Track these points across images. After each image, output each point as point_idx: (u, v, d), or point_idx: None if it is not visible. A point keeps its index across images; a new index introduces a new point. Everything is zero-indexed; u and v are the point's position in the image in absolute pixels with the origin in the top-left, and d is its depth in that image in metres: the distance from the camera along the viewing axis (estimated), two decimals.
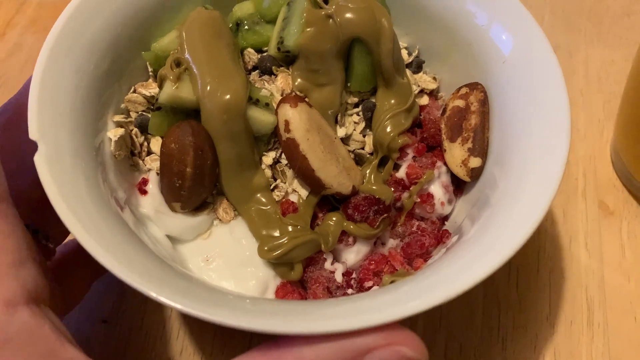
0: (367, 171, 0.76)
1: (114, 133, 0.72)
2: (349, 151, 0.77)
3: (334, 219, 0.75)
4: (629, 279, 0.91)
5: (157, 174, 0.75)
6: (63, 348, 0.55)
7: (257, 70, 0.78)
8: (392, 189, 0.76)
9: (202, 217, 0.75)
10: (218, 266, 0.73)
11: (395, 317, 0.55)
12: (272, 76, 0.77)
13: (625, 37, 1.18)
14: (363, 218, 0.74)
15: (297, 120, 0.70)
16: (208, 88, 0.69)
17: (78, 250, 0.57)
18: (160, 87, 0.73)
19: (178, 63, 0.71)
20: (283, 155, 0.75)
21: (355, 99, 0.78)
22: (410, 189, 0.77)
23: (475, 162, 0.75)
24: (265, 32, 0.79)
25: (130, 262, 0.58)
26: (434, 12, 0.81)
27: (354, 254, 0.76)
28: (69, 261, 0.78)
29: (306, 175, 0.72)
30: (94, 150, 0.69)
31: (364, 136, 0.78)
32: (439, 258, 0.72)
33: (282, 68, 0.77)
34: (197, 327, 0.87)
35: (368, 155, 0.78)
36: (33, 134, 0.61)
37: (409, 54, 0.84)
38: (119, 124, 0.74)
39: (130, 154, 0.76)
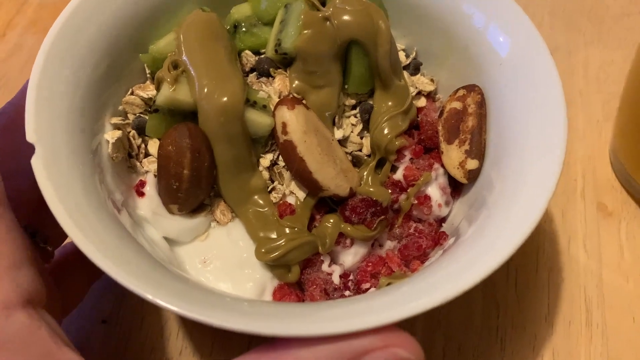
0: (365, 173, 0.76)
1: (111, 135, 0.72)
2: (347, 153, 0.77)
3: (332, 220, 0.75)
4: (628, 279, 0.91)
5: (155, 176, 0.75)
6: (60, 351, 0.55)
7: (255, 72, 0.78)
8: (390, 191, 0.76)
9: (200, 219, 0.75)
10: (215, 268, 0.73)
11: (391, 319, 0.55)
12: (270, 78, 0.77)
13: (624, 37, 1.18)
14: (360, 220, 0.74)
15: (294, 122, 0.70)
16: (205, 90, 0.69)
17: (76, 252, 0.57)
18: (158, 89, 0.73)
19: (175, 65, 0.71)
20: (280, 157, 0.75)
21: (353, 101, 0.78)
22: (408, 190, 0.77)
23: (472, 164, 0.75)
24: (262, 34, 0.79)
25: (127, 264, 0.58)
26: (431, 14, 0.81)
27: (351, 256, 0.76)
28: (67, 263, 0.78)
29: (303, 177, 0.72)
30: (91, 152, 0.69)
31: (362, 138, 0.78)
32: (435, 260, 0.72)
33: (280, 70, 0.77)
34: (196, 328, 0.87)
35: (365, 157, 0.78)
36: (30, 136, 0.61)
37: (407, 56, 0.85)
38: (117, 126, 0.74)
39: (127, 156, 0.76)
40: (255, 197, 0.75)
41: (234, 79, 0.71)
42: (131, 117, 0.77)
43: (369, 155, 0.78)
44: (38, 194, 0.59)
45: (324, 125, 0.75)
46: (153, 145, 0.75)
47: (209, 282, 0.72)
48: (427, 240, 0.77)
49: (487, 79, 0.77)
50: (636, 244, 0.94)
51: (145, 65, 0.78)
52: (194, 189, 0.71)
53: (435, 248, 0.78)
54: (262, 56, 0.78)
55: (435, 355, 0.86)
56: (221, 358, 0.86)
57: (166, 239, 0.74)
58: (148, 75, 0.79)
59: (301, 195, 0.75)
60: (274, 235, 0.73)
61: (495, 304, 0.89)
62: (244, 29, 0.79)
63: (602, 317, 0.88)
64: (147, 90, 0.76)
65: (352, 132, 0.78)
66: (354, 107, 0.79)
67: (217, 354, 0.86)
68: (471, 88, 0.78)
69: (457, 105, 0.78)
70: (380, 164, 0.78)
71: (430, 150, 0.81)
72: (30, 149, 0.60)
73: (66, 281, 0.78)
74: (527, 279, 0.91)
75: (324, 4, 0.75)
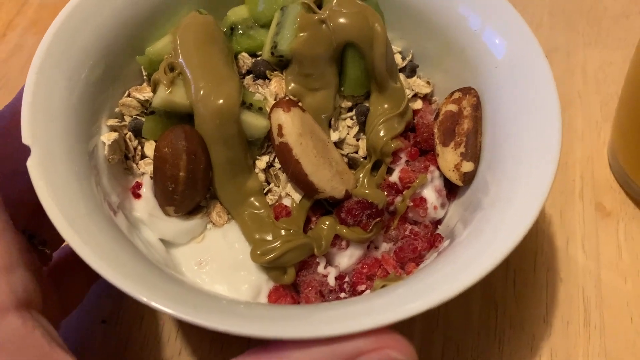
0: (361, 175, 0.76)
1: (107, 137, 0.72)
2: (343, 155, 0.78)
3: (327, 223, 0.75)
4: (626, 280, 0.91)
5: (151, 177, 0.75)
6: (54, 353, 0.55)
7: (251, 75, 0.78)
8: (385, 193, 0.76)
9: (196, 220, 0.75)
10: (211, 270, 0.73)
11: (384, 322, 0.56)
12: (266, 80, 0.77)
13: (623, 38, 1.18)
14: (356, 222, 0.74)
15: (290, 125, 0.70)
16: (201, 92, 0.69)
17: (74, 255, 0.57)
18: (154, 91, 0.73)
19: (172, 67, 0.71)
20: (276, 159, 0.75)
21: (349, 103, 0.78)
22: (403, 193, 0.77)
23: (467, 166, 0.75)
24: (259, 36, 0.79)
25: (122, 267, 0.58)
26: (427, 17, 0.81)
27: (347, 258, 0.76)
28: (66, 265, 0.78)
29: (299, 179, 0.72)
30: (87, 154, 0.69)
31: (358, 140, 0.78)
32: (430, 262, 0.72)
33: (276, 72, 0.77)
34: (195, 328, 0.87)
35: (361, 159, 0.78)
36: (26, 138, 0.61)
37: (403, 58, 0.85)
38: (113, 128, 0.74)
39: (124, 158, 0.76)
40: (251, 199, 0.75)
41: (230, 81, 0.71)
42: (128, 119, 0.77)
43: (365, 158, 0.78)
44: (36, 196, 0.59)
45: (319, 127, 0.75)
46: (149, 147, 0.76)
47: (204, 284, 0.72)
48: (422, 243, 0.77)
49: (483, 81, 0.77)
50: (634, 244, 0.95)
51: (142, 67, 0.78)
52: (190, 191, 0.71)
53: (431, 250, 0.78)
54: (259, 58, 0.78)
55: (434, 355, 0.86)
56: (220, 358, 0.86)
57: (162, 240, 0.74)
58: (145, 77, 0.79)
59: (297, 197, 0.75)
60: (269, 237, 0.73)
61: (493, 304, 0.90)
62: (240, 31, 0.79)
63: (600, 317, 0.88)
64: (144, 92, 0.76)
65: (348, 134, 0.78)
66: (350, 110, 0.79)
67: (216, 354, 0.86)
68: (467, 91, 0.78)
69: (452, 107, 0.78)
70: (376, 166, 0.78)
71: (426, 152, 0.81)
72: (27, 153, 0.61)
73: (65, 282, 0.78)
74: (526, 279, 0.92)
75: (320, 7, 0.75)
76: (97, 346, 0.87)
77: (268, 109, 0.73)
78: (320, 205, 0.77)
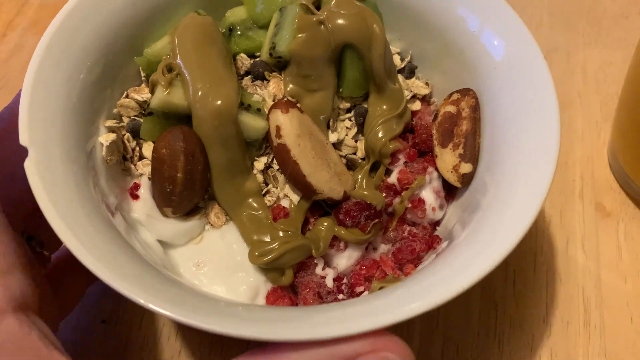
0: (359, 176, 0.76)
1: (105, 138, 0.72)
2: (341, 156, 0.77)
3: (325, 224, 0.75)
4: (626, 280, 0.91)
5: (149, 178, 0.75)
6: (50, 355, 0.55)
7: (250, 76, 0.78)
8: (384, 194, 0.77)
9: (194, 221, 0.75)
10: (209, 271, 0.73)
11: (382, 324, 0.56)
12: (265, 81, 0.77)
13: (623, 38, 1.18)
14: (354, 223, 0.74)
15: (288, 126, 0.70)
16: (199, 93, 0.69)
17: (72, 256, 0.57)
18: (152, 92, 0.73)
19: (170, 68, 0.71)
20: (275, 160, 0.75)
21: (347, 104, 0.78)
22: (402, 194, 0.77)
23: (466, 167, 0.75)
24: (257, 37, 0.79)
25: (120, 269, 0.58)
26: (426, 18, 0.81)
27: (345, 259, 0.76)
28: (63, 266, 0.78)
29: (297, 180, 0.72)
30: (85, 155, 0.69)
31: (356, 141, 0.78)
32: (428, 264, 0.72)
33: (275, 73, 0.77)
34: (195, 329, 0.87)
35: (360, 161, 0.78)
36: (23, 140, 0.61)
37: (402, 59, 0.85)
38: (111, 129, 0.74)
39: (122, 159, 0.76)
40: (250, 200, 0.75)
41: (228, 82, 0.71)
42: (126, 120, 0.77)
43: (363, 159, 0.78)
44: (34, 198, 0.59)
45: (318, 128, 0.75)
46: (147, 148, 0.75)
47: (202, 285, 0.72)
48: (420, 244, 0.77)
49: (482, 82, 0.77)
50: (634, 244, 0.94)
51: (140, 68, 0.78)
52: (188, 192, 0.71)
53: (429, 252, 0.78)
54: (257, 59, 0.78)
55: (433, 355, 0.86)
56: (220, 358, 0.86)
57: (160, 242, 0.74)
58: (143, 78, 0.79)
59: (295, 198, 0.75)
60: (267, 239, 0.73)
61: (493, 304, 0.89)
62: (239, 32, 0.79)
63: (600, 318, 0.88)
64: (142, 93, 0.76)
65: (346, 135, 0.78)
66: (348, 111, 0.79)
67: (216, 354, 0.86)
68: (465, 92, 0.78)
69: (451, 109, 0.78)
70: (374, 168, 0.78)
71: (424, 153, 0.81)
72: (26, 153, 0.61)
73: (63, 283, 0.78)
74: (526, 279, 0.91)
75: (318, 8, 0.75)
76: (97, 346, 0.87)
77: (266, 110, 0.73)
78: (319, 206, 0.77)
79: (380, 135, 0.76)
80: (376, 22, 0.73)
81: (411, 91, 0.82)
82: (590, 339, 0.87)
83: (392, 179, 0.78)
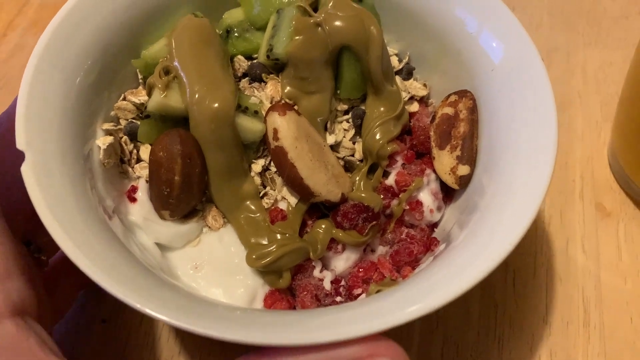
0: (357, 178, 0.76)
1: (102, 141, 0.72)
2: (339, 158, 0.77)
3: (323, 226, 0.75)
4: (626, 280, 0.91)
5: (147, 181, 0.75)
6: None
7: (247, 78, 0.78)
8: (382, 196, 0.76)
9: (192, 224, 0.75)
10: (207, 274, 0.73)
11: (378, 328, 0.56)
12: (262, 83, 0.77)
13: (623, 38, 1.17)
14: (352, 226, 0.74)
15: (285, 129, 0.70)
16: (196, 96, 0.69)
17: (66, 260, 0.57)
18: (149, 95, 0.73)
19: (167, 71, 0.71)
20: (272, 163, 0.75)
21: (345, 106, 0.78)
22: (400, 196, 0.77)
23: (463, 169, 0.75)
24: (255, 39, 0.79)
25: (116, 273, 0.58)
26: (424, 19, 0.81)
27: (343, 262, 0.76)
28: (57, 270, 0.78)
29: (295, 183, 0.72)
30: (82, 158, 0.69)
31: (354, 143, 0.78)
32: (426, 266, 0.72)
33: (272, 75, 0.77)
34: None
35: (358, 162, 0.78)
36: (20, 144, 0.61)
37: (400, 61, 0.84)
38: (108, 132, 0.74)
39: (119, 162, 0.76)
40: (247, 202, 0.75)
41: (225, 84, 0.71)
42: (123, 122, 0.77)
43: (361, 161, 0.78)
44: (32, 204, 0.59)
45: (315, 130, 0.75)
46: (145, 151, 0.75)
47: (200, 288, 0.72)
48: (418, 246, 0.76)
49: (480, 84, 0.77)
50: (634, 244, 0.94)
51: (137, 70, 0.78)
52: (185, 195, 0.71)
53: (427, 254, 0.78)
54: (255, 61, 0.78)
55: (433, 355, 0.86)
56: (220, 358, 0.86)
57: (158, 244, 0.74)
58: (140, 81, 0.78)
59: (293, 200, 0.75)
60: (265, 242, 0.73)
61: (493, 304, 0.89)
62: (236, 34, 0.79)
63: (600, 318, 0.88)
64: (139, 96, 0.76)
65: (344, 137, 0.78)
66: (346, 112, 0.79)
67: (215, 354, 0.86)
68: (463, 93, 0.78)
69: (448, 110, 0.78)
70: (372, 169, 0.78)
71: (422, 155, 0.81)
72: (23, 157, 0.61)
73: (57, 288, 0.78)
74: (525, 279, 0.91)
75: (316, 10, 0.75)
76: (97, 346, 0.87)
77: (264, 113, 0.73)
78: (317, 208, 0.77)
79: (377, 137, 0.76)
80: (373, 24, 0.73)
81: (409, 92, 0.82)
82: (590, 339, 0.87)
83: (390, 180, 0.78)
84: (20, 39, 1.23)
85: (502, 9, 0.75)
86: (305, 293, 0.73)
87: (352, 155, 0.78)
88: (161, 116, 0.72)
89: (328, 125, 0.77)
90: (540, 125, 0.68)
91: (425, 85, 0.83)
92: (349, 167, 0.78)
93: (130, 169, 0.76)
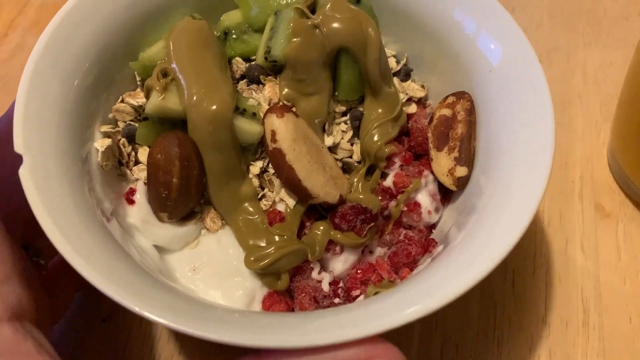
0: (355, 180, 0.76)
1: (100, 143, 0.72)
2: (337, 160, 0.78)
3: (321, 228, 0.75)
4: (625, 280, 0.91)
5: (145, 183, 0.75)
6: None
7: (245, 80, 0.78)
8: (380, 198, 0.76)
9: (190, 226, 0.75)
10: (205, 276, 0.73)
11: (376, 330, 0.56)
12: (260, 85, 0.77)
13: (623, 39, 1.17)
14: (350, 227, 0.74)
15: (283, 131, 0.70)
16: (194, 98, 0.69)
17: (63, 262, 0.57)
18: (147, 97, 0.73)
19: (165, 73, 0.71)
20: (270, 165, 0.75)
21: (343, 108, 0.78)
22: (398, 197, 0.77)
23: (461, 171, 0.75)
24: (253, 41, 0.79)
25: (115, 276, 0.58)
26: (422, 21, 0.81)
27: (341, 263, 0.76)
28: (55, 273, 0.78)
29: (293, 185, 0.72)
30: (80, 161, 0.69)
31: (352, 145, 0.78)
32: (424, 268, 0.72)
33: (270, 77, 0.77)
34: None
35: (356, 164, 0.78)
36: (18, 147, 0.61)
37: (398, 62, 0.84)
38: (107, 134, 0.74)
39: (118, 164, 0.76)
40: (245, 204, 0.75)
41: (223, 87, 0.71)
42: (121, 124, 0.77)
43: (359, 162, 0.78)
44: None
45: (313, 132, 0.75)
46: (143, 153, 0.75)
47: (198, 290, 0.72)
48: (416, 248, 0.76)
49: (477, 85, 0.77)
50: (633, 245, 0.94)
51: (135, 72, 0.78)
52: (184, 197, 0.71)
53: (425, 255, 0.78)
54: (253, 63, 0.78)
55: (433, 355, 0.86)
56: (220, 357, 0.86)
57: (156, 247, 0.74)
58: (138, 83, 0.79)
59: (291, 202, 0.75)
60: (263, 244, 0.73)
61: (492, 304, 0.89)
62: (234, 36, 0.79)
63: (599, 318, 0.88)
64: (137, 98, 0.76)
65: (342, 138, 0.78)
66: (344, 114, 0.79)
67: (215, 354, 0.86)
68: (460, 95, 0.78)
69: (446, 112, 0.78)
70: (370, 171, 0.78)
71: (420, 156, 0.81)
72: (21, 160, 0.61)
73: (55, 290, 0.78)
74: (525, 280, 0.91)
75: (313, 12, 0.75)
76: (97, 346, 0.87)
77: (262, 114, 0.73)
78: (315, 210, 0.77)
79: (375, 138, 0.76)
80: (371, 26, 0.73)
81: (407, 94, 0.82)
82: (589, 339, 0.86)
83: (388, 182, 0.78)
84: (21, 39, 1.23)
85: (500, 11, 0.75)
86: (303, 295, 0.73)
87: (350, 157, 0.78)
88: (159, 118, 0.72)
89: (326, 126, 0.78)
90: (538, 126, 0.68)
91: (423, 86, 0.84)
92: (347, 168, 0.78)
93: (128, 172, 0.76)
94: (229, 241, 0.75)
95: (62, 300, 0.81)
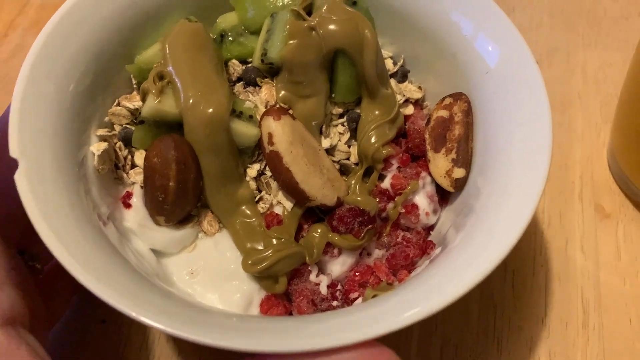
0: (352, 182, 0.76)
1: (97, 147, 0.72)
2: (335, 162, 0.77)
3: (319, 230, 0.75)
4: (625, 281, 0.91)
5: (142, 187, 0.75)
6: None
7: (242, 82, 0.78)
8: (377, 200, 0.76)
9: (187, 230, 0.75)
10: (203, 279, 0.73)
11: (374, 334, 0.56)
12: (257, 87, 0.77)
13: (623, 39, 1.17)
14: (348, 229, 0.74)
15: (280, 133, 0.70)
16: (190, 101, 0.69)
17: (59, 266, 0.57)
18: (144, 100, 0.73)
19: (161, 76, 0.71)
20: (268, 167, 0.75)
21: (340, 110, 0.78)
22: (395, 199, 0.77)
23: (459, 172, 0.75)
24: (249, 43, 0.79)
25: (111, 281, 0.58)
26: (419, 22, 0.81)
27: (339, 266, 0.76)
28: (52, 276, 0.78)
29: (290, 187, 0.72)
30: (76, 165, 0.69)
31: (349, 146, 0.78)
32: (422, 271, 0.72)
33: (267, 79, 0.77)
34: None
35: (353, 166, 0.78)
36: (13, 151, 0.61)
37: (394, 63, 0.84)
38: (103, 138, 0.74)
39: (114, 167, 0.76)
40: (243, 207, 0.75)
41: (219, 89, 0.71)
42: (118, 128, 0.77)
43: (356, 164, 0.78)
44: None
45: (310, 134, 0.75)
46: (140, 157, 0.75)
47: (196, 294, 0.72)
48: (414, 250, 0.76)
49: (474, 87, 0.77)
50: (633, 245, 0.94)
51: (131, 75, 0.78)
52: (180, 201, 0.71)
53: (423, 257, 0.78)
54: (249, 65, 0.78)
55: (432, 355, 0.86)
56: (220, 357, 0.86)
57: (153, 250, 0.74)
58: (134, 86, 0.78)
59: (288, 205, 0.75)
60: (260, 247, 0.73)
61: (492, 305, 0.89)
62: (230, 38, 0.79)
63: (599, 319, 0.88)
64: (134, 101, 0.76)
65: (339, 140, 0.78)
66: (341, 116, 0.79)
67: (215, 354, 0.86)
68: (458, 96, 0.78)
69: (443, 113, 0.78)
70: (367, 173, 0.78)
71: (417, 158, 0.81)
72: (16, 165, 0.60)
73: (52, 293, 0.78)
74: (525, 280, 0.91)
75: (310, 14, 0.75)
76: (97, 346, 0.87)
77: (258, 117, 0.73)
78: (313, 212, 0.77)
79: (373, 140, 0.76)
80: (368, 28, 0.73)
81: (404, 95, 0.82)
82: (589, 340, 0.86)
83: (386, 184, 0.78)
84: (21, 39, 1.23)
85: (497, 12, 0.75)
86: (301, 298, 0.73)
87: (348, 159, 0.78)
88: (155, 122, 0.72)
89: (323, 128, 0.77)
90: (535, 127, 0.68)
91: (420, 87, 0.84)
92: (344, 170, 0.78)
93: (124, 175, 0.76)
94: (227, 244, 0.75)
95: (59, 304, 0.81)
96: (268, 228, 0.74)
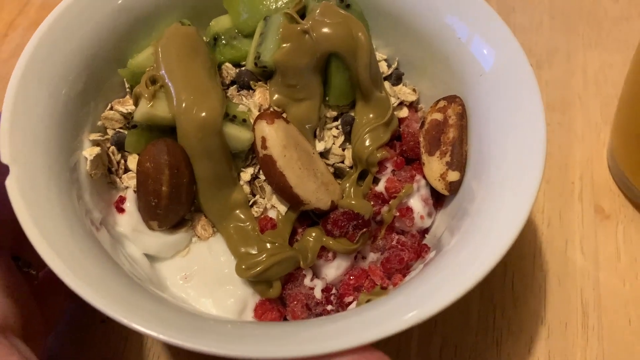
0: (347, 185, 0.76)
1: (89, 152, 0.71)
2: (329, 165, 0.77)
3: (313, 234, 0.74)
4: (624, 282, 0.91)
5: (135, 191, 0.74)
6: None
7: (235, 85, 0.78)
8: (372, 203, 0.76)
9: (181, 234, 0.75)
10: (197, 284, 0.73)
11: (370, 339, 0.56)
12: (250, 91, 0.77)
13: (623, 40, 1.16)
14: (342, 233, 0.74)
15: (273, 137, 0.70)
16: (183, 105, 0.69)
17: (52, 272, 0.57)
18: (136, 104, 0.72)
19: (154, 80, 0.70)
20: (261, 171, 0.74)
21: (334, 113, 0.78)
22: (390, 202, 0.77)
23: (453, 175, 0.75)
24: (242, 46, 0.79)
25: (103, 288, 0.58)
26: (413, 25, 0.80)
27: (334, 269, 0.76)
28: (48, 282, 0.78)
29: (284, 191, 0.72)
30: (68, 170, 0.68)
31: (343, 150, 0.78)
32: (415, 275, 0.72)
33: (260, 83, 0.77)
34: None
35: (348, 169, 0.78)
36: (5, 157, 0.61)
37: (389, 66, 0.84)
38: (95, 142, 0.74)
39: (107, 172, 0.75)
40: (237, 211, 0.74)
41: (213, 93, 0.71)
42: (110, 132, 0.76)
43: (351, 167, 0.78)
44: None
45: (304, 138, 0.74)
46: (133, 161, 0.75)
47: (190, 298, 0.72)
48: (409, 253, 0.76)
49: (468, 90, 0.76)
50: (633, 246, 0.94)
51: (124, 79, 0.78)
52: (174, 206, 0.71)
53: (417, 260, 0.77)
54: (243, 69, 0.78)
55: (432, 356, 0.85)
56: (219, 358, 0.87)
57: (147, 255, 0.74)
58: (127, 90, 0.78)
59: (282, 209, 0.75)
60: (254, 251, 0.72)
61: (492, 305, 0.89)
62: (223, 42, 0.79)
63: (599, 320, 0.88)
64: (127, 105, 0.76)
65: (333, 144, 0.77)
66: (335, 119, 0.79)
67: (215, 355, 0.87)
68: (452, 99, 0.78)
69: (437, 116, 0.78)
70: (362, 176, 0.77)
71: (412, 161, 0.81)
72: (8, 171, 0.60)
73: (48, 299, 0.78)
74: (524, 281, 0.91)
75: (303, 17, 0.75)
76: (97, 345, 0.87)
77: (252, 121, 0.73)
78: (307, 216, 0.77)
79: (367, 143, 0.76)
80: (361, 31, 0.73)
81: (398, 98, 0.82)
82: (589, 341, 0.86)
83: (380, 187, 0.78)
84: (21, 39, 1.23)
85: (491, 15, 0.75)
86: (295, 302, 0.73)
87: (342, 162, 0.78)
88: (148, 126, 0.72)
89: (317, 132, 0.77)
90: (530, 130, 0.68)
91: (414, 90, 0.83)
92: (338, 173, 0.78)
93: (118, 179, 0.76)
94: (220, 249, 0.75)
95: (55, 310, 0.81)
96: (262, 232, 0.74)
